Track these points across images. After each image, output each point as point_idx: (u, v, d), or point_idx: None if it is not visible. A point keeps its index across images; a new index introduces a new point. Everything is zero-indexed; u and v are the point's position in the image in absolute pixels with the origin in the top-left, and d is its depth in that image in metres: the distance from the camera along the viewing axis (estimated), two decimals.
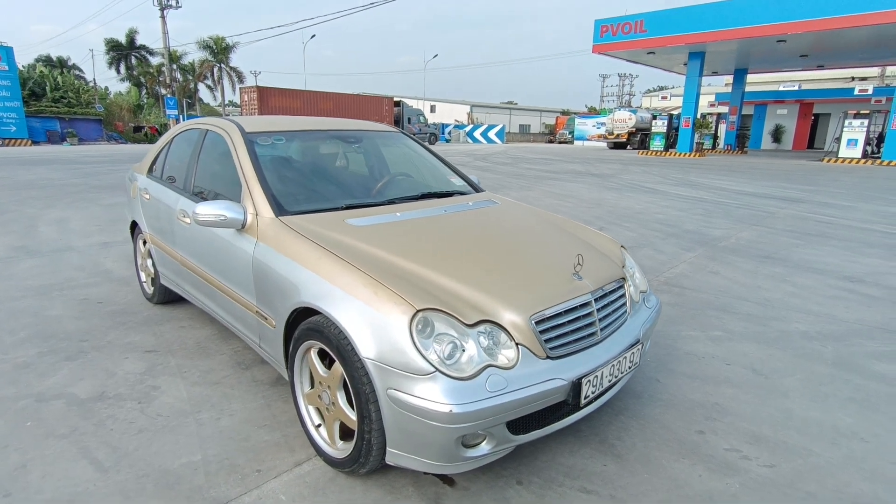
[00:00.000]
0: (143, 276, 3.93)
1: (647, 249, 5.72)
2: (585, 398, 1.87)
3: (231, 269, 2.49)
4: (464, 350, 1.70)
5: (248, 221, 2.39)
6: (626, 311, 2.23)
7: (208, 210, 2.33)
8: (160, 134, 34.67)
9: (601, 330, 2.02)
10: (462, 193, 3.03)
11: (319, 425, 2.10)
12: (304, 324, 1.99)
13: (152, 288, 3.77)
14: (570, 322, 1.93)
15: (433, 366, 1.64)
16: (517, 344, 1.77)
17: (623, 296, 2.25)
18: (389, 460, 1.78)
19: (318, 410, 2.10)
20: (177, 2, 33.63)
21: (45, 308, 3.72)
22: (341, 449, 1.97)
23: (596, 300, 2.05)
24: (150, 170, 3.68)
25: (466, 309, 1.77)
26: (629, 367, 2.10)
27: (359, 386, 1.75)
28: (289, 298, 2.05)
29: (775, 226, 7.25)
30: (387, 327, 1.70)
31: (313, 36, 52.79)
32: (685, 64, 24.70)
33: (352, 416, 1.86)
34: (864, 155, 20.83)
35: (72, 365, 2.86)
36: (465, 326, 1.73)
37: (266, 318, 2.26)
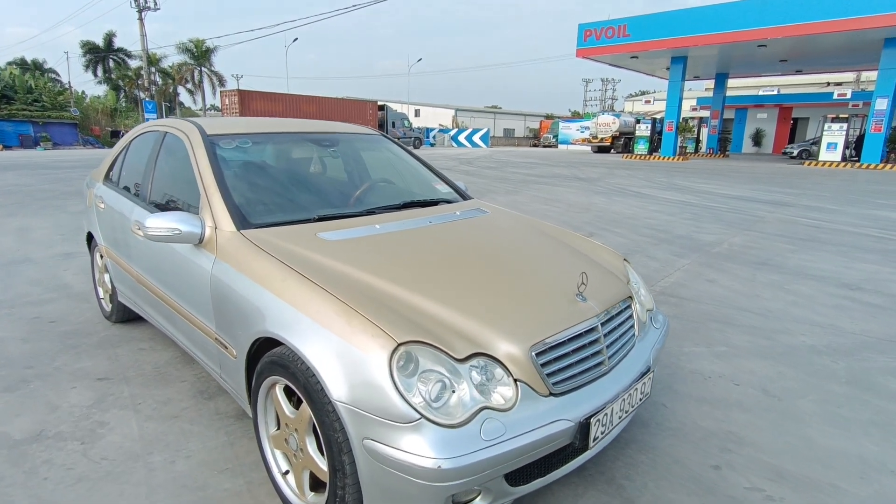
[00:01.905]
0: (100, 293, 3.59)
1: (639, 256, 5.52)
2: (594, 440, 1.62)
3: (188, 289, 2.20)
4: (454, 391, 1.44)
5: (207, 235, 2.10)
6: (634, 335, 1.98)
7: (160, 223, 2.04)
8: None
9: (609, 358, 1.78)
10: (448, 202, 2.77)
11: (287, 472, 1.82)
12: (268, 356, 1.71)
13: (110, 305, 3.44)
14: (574, 351, 1.68)
15: (418, 411, 1.37)
16: (515, 380, 1.52)
17: (631, 317, 2.01)
18: None
19: (286, 455, 1.82)
20: (155, 3, 32.94)
21: None
22: (312, 502, 1.69)
23: (602, 324, 1.80)
24: (108, 176, 3.36)
25: (456, 340, 1.51)
26: (640, 399, 1.86)
27: (330, 433, 1.48)
28: (250, 326, 1.77)
29: (766, 230, 7.13)
30: (363, 364, 1.43)
31: (296, 39, 52.27)
32: (667, 68, 24.85)
33: (322, 465, 1.59)
34: (844, 158, 21.10)
35: (9, 397, 2.53)
36: (455, 361, 1.46)
37: (226, 347, 1.97)
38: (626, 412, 1.78)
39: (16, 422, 2.33)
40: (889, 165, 19.40)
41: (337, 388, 1.44)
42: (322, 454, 1.61)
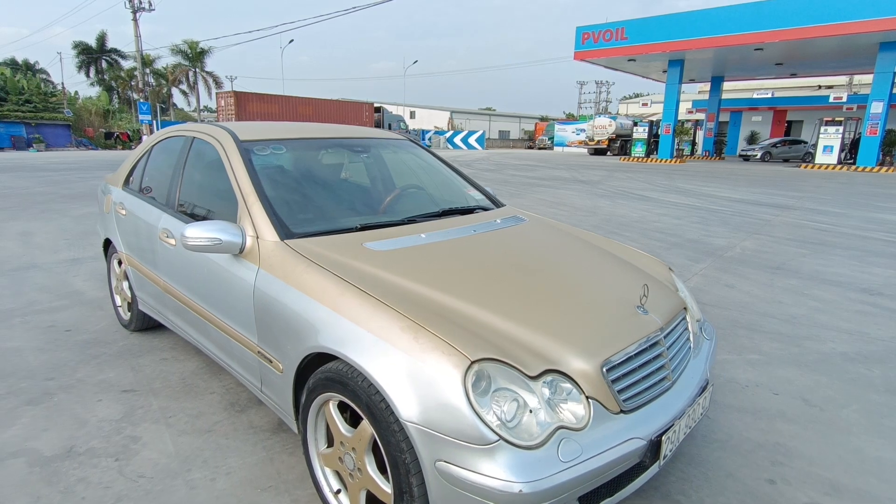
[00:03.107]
0: (118, 301, 3.51)
1: None
2: (664, 457, 1.58)
3: (226, 300, 2.13)
4: (530, 410, 1.38)
5: (248, 245, 2.03)
6: (690, 348, 1.94)
7: (200, 232, 1.97)
8: (131, 140, 33.60)
9: (672, 372, 1.73)
10: (484, 209, 2.72)
11: (339, 491, 1.76)
12: (322, 371, 1.65)
13: (129, 313, 3.36)
14: (642, 367, 1.63)
15: (496, 432, 1.32)
16: (588, 398, 1.47)
17: (686, 329, 1.97)
18: None
19: (338, 473, 1.76)
20: (150, 4, 32.66)
21: (2, 338, 3.28)
22: None
23: (665, 337, 1.76)
24: (127, 182, 3.27)
25: (526, 356, 1.46)
26: (701, 415, 1.81)
27: (396, 454, 1.42)
28: (302, 341, 1.71)
29: (775, 234, 7.13)
30: (434, 383, 1.37)
31: (291, 41, 52.13)
32: (664, 71, 24.97)
33: (385, 488, 1.53)
34: (840, 161, 21.27)
35: (34, 411, 2.45)
36: (528, 379, 1.41)
37: (271, 361, 1.91)
38: (690, 427, 1.74)
39: (44, 437, 2.25)
40: (885, 168, 19.57)
41: (406, 407, 1.39)
42: (383, 474, 1.55)
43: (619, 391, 1.53)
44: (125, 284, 3.31)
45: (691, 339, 1.98)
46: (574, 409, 1.45)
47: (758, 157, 27.42)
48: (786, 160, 26.98)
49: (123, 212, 3.12)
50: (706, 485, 1.99)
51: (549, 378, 1.45)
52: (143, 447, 2.19)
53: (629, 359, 1.60)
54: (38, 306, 3.86)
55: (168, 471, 2.04)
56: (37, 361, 2.97)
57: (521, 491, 1.27)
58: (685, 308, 2.02)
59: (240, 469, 2.05)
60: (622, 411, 1.52)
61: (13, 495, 1.88)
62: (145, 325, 3.31)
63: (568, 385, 1.47)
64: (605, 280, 2.02)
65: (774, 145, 28.18)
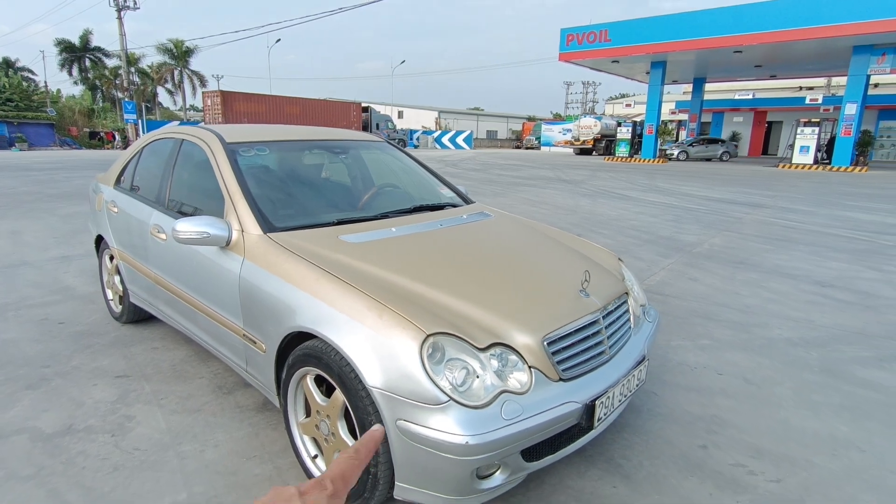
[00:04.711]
0: (109, 294, 3.68)
1: (626, 256, 5.76)
2: (598, 420, 1.81)
3: (214, 288, 2.34)
4: (477, 376, 1.61)
5: (233, 238, 2.24)
6: (630, 327, 2.19)
7: (189, 227, 2.18)
8: (116, 139, 33.37)
9: (609, 348, 1.97)
10: (454, 205, 2.95)
11: (316, 456, 1.97)
12: (300, 349, 1.86)
13: (120, 307, 3.54)
14: (580, 342, 1.87)
15: (446, 394, 1.54)
16: (530, 367, 1.70)
17: (627, 311, 2.21)
18: (398, 495, 1.67)
19: (315, 440, 1.97)
20: (135, 2, 32.46)
21: None
22: None
23: (603, 317, 2.00)
24: (118, 181, 3.45)
25: (477, 331, 1.69)
26: (637, 385, 2.06)
27: (364, 416, 1.64)
28: (283, 322, 1.92)
29: (743, 231, 7.46)
30: (395, 354, 1.59)
31: (278, 40, 51.89)
32: (647, 72, 25.42)
33: None
34: (816, 161, 21.85)
35: (34, 395, 2.63)
36: (477, 350, 1.64)
37: (255, 342, 2.12)
38: (626, 396, 1.98)
39: (44, 416, 2.43)
40: (859, 168, 20.17)
41: (372, 376, 1.61)
42: (354, 437, 1.77)
43: (559, 362, 1.77)
44: (116, 279, 3.48)
45: (632, 320, 2.22)
46: (518, 377, 1.68)
47: (675, 154, 27.40)
48: (707, 159, 27.38)
49: (115, 209, 3.30)
50: (646, 450, 2.24)
51: (497, 350, 1.68)
52: (137, 425, 2.38)
53: (569, 335, 1.83)
54: (30, 301, 4.02)
55: (161, 444, 2.24)
56: (32, 351, 3.14)
57: (467, 442, 1.50)
58: (626, 293, 2.26)
59: (227, 442, 2.26)
60: (561, 379, 1.76)
61: (19, 466, 2.07)
62: (136, 317, 3.48)
63: (514, 357, 1.70)
64: (554, 267, 2.26)
65: (691, 144, 28.45)
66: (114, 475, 2.03)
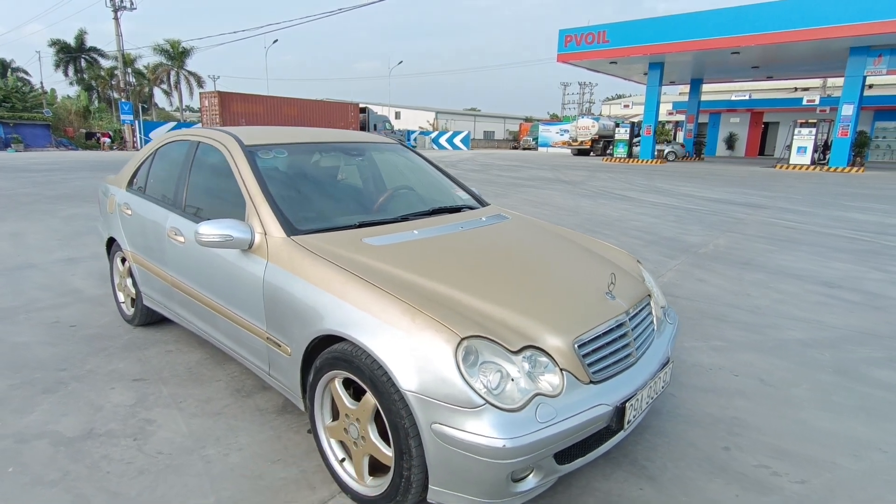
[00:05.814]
0: (121, 297, 3.67)
1: None
2: (628, 422, 1.82)
3: (236, 292, 2.33)
4: (511, 379, 1.61)
5: (256, 241, 2.24)
6: (654, 330, 2.19)
7: (212, 230, 2.17)
8: (113, 140, 33.19)
9: (636, 350, 1.98)
10: (470, 208, 2.95)
11: (344, 459, 1.97)
12: (328, 352, 1.86)
13: (132, 309, 3.52)
14: (608, 344, 1.87)
15: (482, 397, 1.54)
16: (561, 370, 1.70)
17: (650, 314, 2.22)
18: (431, 498, 1.67)
19: (342, 444, 1.97)
20: (131, 3, 32.34)
21: (10, 334, 3.41)
22: (371, 485, 1.85)
23: (630, 319, 2.01)
24: (131, 183, 3.44)
25: (508, 334, 1.69)
26: (662, 387, 2.06)
27: (397, 420, 1.64)
28: (310, 325, 1.92)
29: (746, 232, 7.49)
30: (429, 357, 1.59)
31: (275, 41, 51.85)
32: (644, 73, 25.49)
33: (387, 451, 1.75)
34: (813, 162, 21.97)
35: (51, 399, 2.62)
36: (511, 353, 1.64)
37: (279, 345, 2.11)
38: (652, 398, 1.99)
39: (63, 421, 2.42)
40: (856, 169, 20.29)
41: (406, 379, 1.61)
42: (385, 441, 1.77)
43: (589, 364, 1.77)
44: (129, 281, 3.47)
45: (655, 322, 2.23)
46: (550, 380, 1.69)
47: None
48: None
49: (129, 212, 3.28)
50: (669, 452, 2.24)
51: (528, 353, 1.68)
52: (158, 428, 2.37)
53: (598, 337, 1.84)
54: (39, 304, 3.99)
55: (184, 448, 2.23)
56: (46, 354, 3.12)
57: (504, 446, 1.50)
58: (649, 295, 2.27)
59: (250, 446, 2.25)
60: (592, 382, 1.76)
61: (43, 472, 2.06)
62: (149, 319, 3.47)
63: (545, 359, 1.70)
64: (578, 269, 2.27)
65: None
66: (139, 479, 2.02)
